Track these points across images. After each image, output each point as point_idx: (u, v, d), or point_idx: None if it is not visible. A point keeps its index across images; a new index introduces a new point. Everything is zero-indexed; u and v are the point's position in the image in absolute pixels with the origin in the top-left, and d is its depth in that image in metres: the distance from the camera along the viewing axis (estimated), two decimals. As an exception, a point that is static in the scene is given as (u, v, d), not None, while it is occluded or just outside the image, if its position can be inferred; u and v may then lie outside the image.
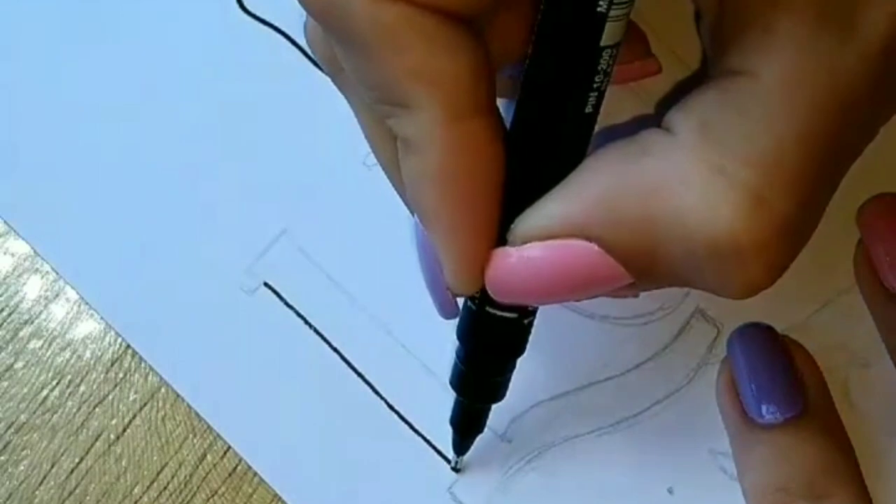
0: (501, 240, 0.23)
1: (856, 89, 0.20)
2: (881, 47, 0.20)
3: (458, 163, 0.22)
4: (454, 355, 0.28)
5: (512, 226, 0.23)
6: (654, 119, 0.22)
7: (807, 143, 0.20)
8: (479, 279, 0.23)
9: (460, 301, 0.27)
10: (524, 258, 0.22)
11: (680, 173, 0.20)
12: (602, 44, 0.21)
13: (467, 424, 0.30)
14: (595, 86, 0.22)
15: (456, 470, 0.32)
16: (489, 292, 0.24)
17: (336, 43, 0.22)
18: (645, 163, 0.21)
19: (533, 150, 0.23)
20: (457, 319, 0.27)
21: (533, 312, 0.26)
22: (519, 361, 0.32)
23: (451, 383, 0.29)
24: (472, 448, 0.31)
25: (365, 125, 0.24)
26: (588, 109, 0.22)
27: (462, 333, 0.27)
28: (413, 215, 0.24)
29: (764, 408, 0.30)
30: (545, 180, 0.22)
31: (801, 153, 0.20)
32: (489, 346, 0.27)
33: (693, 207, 0.20)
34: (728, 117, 0.20)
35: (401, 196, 0.25)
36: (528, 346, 0.32)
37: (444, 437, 0.32)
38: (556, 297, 0.23)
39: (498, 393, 0.29)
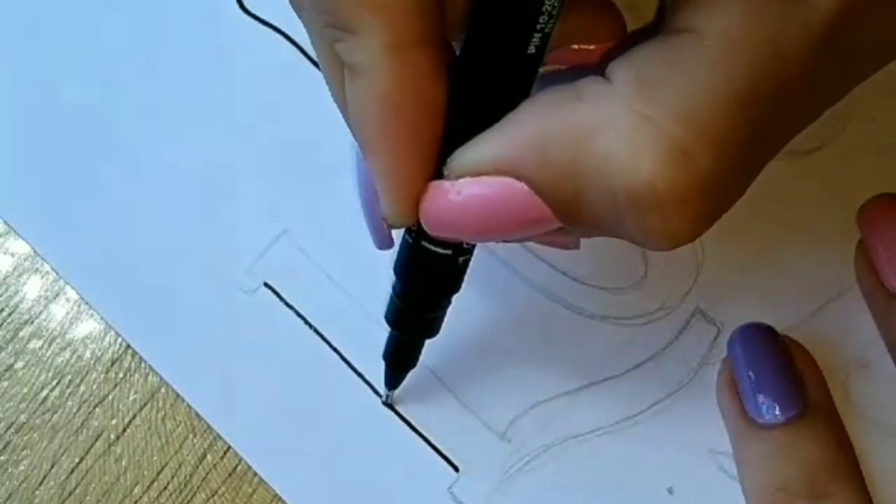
0: (439, 174, 0.23)
1: (797, 60, 0.20)
2: (828, 21, 0.20)
3: (399, 91, 0.22)
4: (390, 289, 0.28)
5: (448, 160, 0.23)
6: (599, 69, 0.22)
7: (739, 106, 0.20)
8: (414, 211, 0.23)
9: (396, 236, 0.27)
10: (456, 192, 0.23)
11: (610, 120, 0.20)
12: None
13: (400, 359, 0.30)
14: (539, 27, 0.22)
15: (387, 405, 0.32)
16: (423, 225, 0.24)
17: None
18: (577, 108, 0.21)
19: (475, 87, 0.23)
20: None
21: (468, 251, 0.26)
22: (519, 360, 0.32)
23: (385, 317, 0.29)
24: (472, 448, 0.31)
25: (318, 53, 0.25)
26: (531, 50, 0.22)
27: (398, 268, 0.27)
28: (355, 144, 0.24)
29: (764, 407, 0.30)
30: (485, 118, 0.22)
31: (732, 115, 0.20)
32: (423, 282, 0.27)
33: (618, 154, 0.20)
34: (665, 71, 0.21)
35: (345, 121, 0.25)
36: (529, 345, 0.32)
37: (444, 437, 0.32)
38: (486, 234, 0.23)
39: (431, 328, 0.29)
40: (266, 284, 0.33)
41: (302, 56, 0.35)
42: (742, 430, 0.30)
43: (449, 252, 0.26)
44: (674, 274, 0.33)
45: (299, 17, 0.25)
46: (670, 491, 0.31)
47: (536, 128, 0.21)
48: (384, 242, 0.28)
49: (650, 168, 0.20)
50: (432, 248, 0.25)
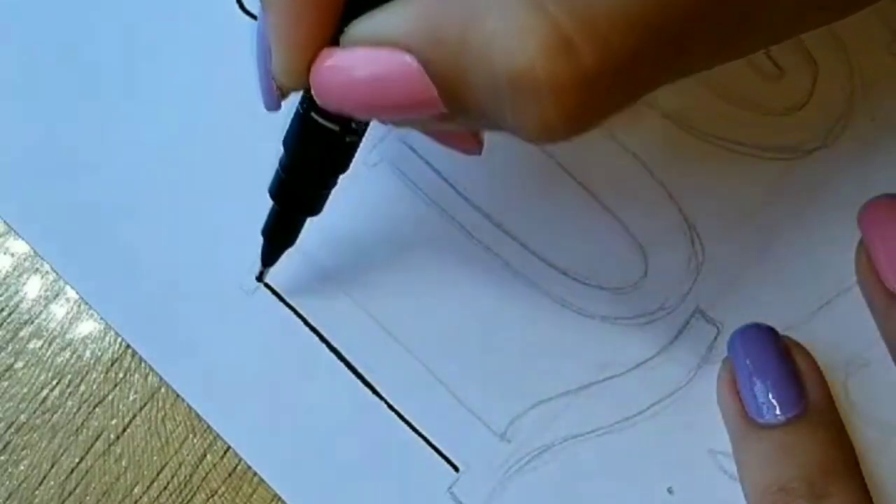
0: (336, 44, 0.23)
1: None
2: None
3: None
4: (276, 164, 0.28)
5: (346, 28, 0.23)
6: None
7: (632, 12, 0.20)
8: (304, 74, 0.23)
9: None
10: (347, 60, 0.23)
11: (501, 3, 0.20)
12: None
13: (279, 235, 0.30)
14: None
15: (259, 280, 0.33)
16: (312, 90, 0.24)
17: None
18: None
19: None
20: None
21: (357, 133, 0.26)
22: (519, 361, 0.32)
23: (269, 191, 0.29)
24: (472, 448, 0.31)
25: None
26: None
27: (286, 140, 0.27)
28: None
29: (764, 407, 0.30)
30: None
31: (624, 18, 0.20)
32: (308, 156, 0.27)
33: (503, 36, 0.20)
34: None
35: None
36: (528, 345, 0.32)
37: (445, 437, 0.32)
38: (372, 109, 0.23)
39: (313, 206, 0.29)
40: (266, 285, 0.33)
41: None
42: (742, 430, 0.30)
43: (336, 128, 0.26)
44: (674, 274, 0.33)
45: None
46: (670, 491, 0.31)
47: (433, 4, 0.21)
48: (272, 103, 0.27)
49: (532, 53, 0.20)
50: (321, 120, 0.26)
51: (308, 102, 0.26)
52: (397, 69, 0.22)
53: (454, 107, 0.22)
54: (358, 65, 0.22)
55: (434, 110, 0.22)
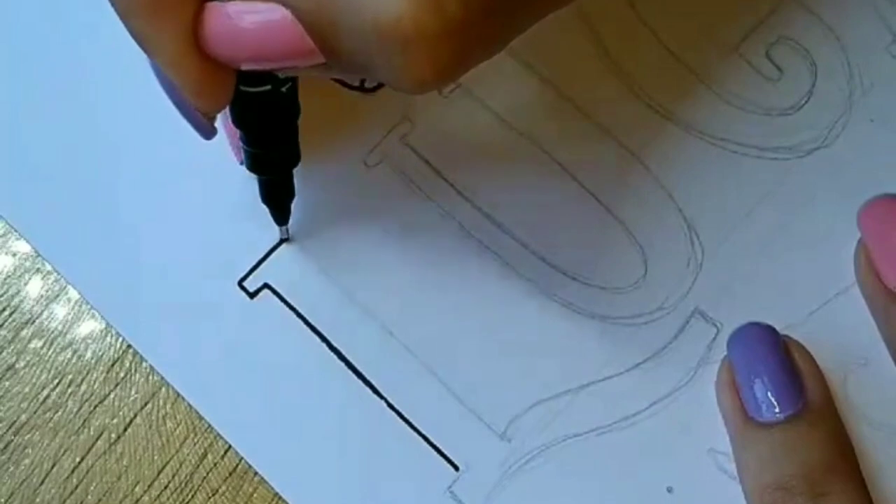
0: None
1: None
2: None
3: None
4: (241, 143, 0.29)
5: None
6: None
7: None
8: (217, 89, 0.24)
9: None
10: (227, 15, 0.23)
11: None
12: None
13: (278, 194, 0.32)
14: None
15: (285, 240, 0.33)
16: (205, 46, 0.24)
17: None
18: None
19: None
20: None
21: (286, 82, 0.27)
22: (519, 361, 0.32)
23: (248, 167, 0.30)
24: (472, 447, 0.31)
25: None
26: None
27: (235, 119, 0.28)
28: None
29: (764, 406, 0.30)
30: None
31: None
32: (261, 122, 0.28)
33: None
34: None
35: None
36: (528, 345, 0.32)
37: (444, 437, 0.32)
38: (259, 58, 0.24)
39: (291, 158, 0.30)
40: (267, 285, 0.33)
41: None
42: (741, 428, 0.30)
43: (268, 87, 0.27)
44: (673, 274, 0.33)
45: None
46: (669, 490, 0.31)
47: None
48: (207, 132, 0.28)
49: (399, 5, 0.20)
50: (251, 89, 0.27)
51: (238, 79, 0.26)
52: (275, 22, 0.22)
53: (329, 56, 0.23)
54: (240, 18, 0.23)
55: (313, 59, 0.23)
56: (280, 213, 0.32)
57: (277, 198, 0.32)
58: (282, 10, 0.22)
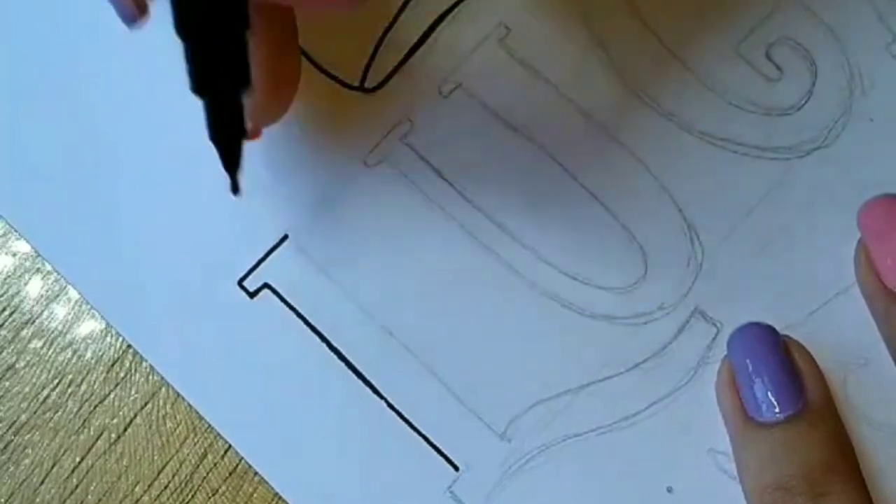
0: None
1: None
2: None
3: None
4: (184, 60, 0.26)
5: None
6: None
7: None
8: None
9: None
10: None
11: None
12: None
13: (226, 126, 0.27)
14: None
15: (235, 191, 0.28)
16: None
17: None
18: None
19: None
20: None
21: None
22: (519, 360, 0.32)
23: (192, 88, 0.26)
24: (472, 447, 0.31)
25: None
26: None
27: (177, 24, 0.25)
28: None
29: (763, 406, 0.30)
30: None
31: None
32: (208, 24, 0.25)
33: None
34: None
35: None
36: (528, 345, 0.32)
37: (444, 437, 0.32)
38: None
39: (242, 76, 0.26)
40: (267, 285, 0.33)
41: (302, 56, 0.35)
42: (741, 428, 0.30)
43: None
44: (673, 274, 0.33)
45: None
46: (669, 490, 0.31)
47: None
48: (131, 14, 0.26)
49: None
50: None
51: None
52: None
53: None
54: None
55: None
56: (230, 153, 0.28)
57: (225, 129, 0.27)
58: None
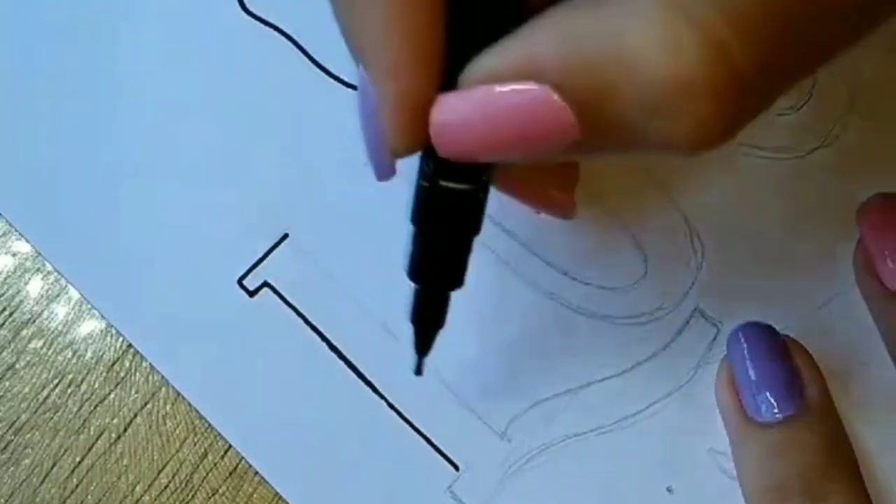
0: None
1: None
2: None
3: (407, 3, 0.21)
4: (409, 243, 0.27)
5: (466, 68, 0.22)
6: None
7: (779, 9, 0.19)
8: (421, 134, 0.22)
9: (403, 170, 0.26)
10: (473, 100, 0.21)
11: (643, 14, 0.20)
12: None
13: (428, 316, 0.28)
14: None
15: (418, 373, 0.30)
16: (435, 144, 0.22)
17: None
18: (608, 5, 0.20)
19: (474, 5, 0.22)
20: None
21: (486, 186, 0.25)
22: (519, 361, 0.32)
23: (407, 272, 0.27)
24: (472, 447, 0.31)
25: None
26: None
27: (415, 214, 0.26)
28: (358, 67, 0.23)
29: (763, 406, 0.30)
30: (489, 34, 0.21)
31: (766, 13, 0.19)
32: (445, 225, 0.26)
33: (650, 48, 0.19)
34: None
35: (346, 42, 0.24)
36: (528, 345, 0.32)
37: (444, 436, 0.32)
38: (503, 147, 0.22)
39: (457, 277, 0.27)
40: (267, 284, 0.33)
41: (303, 56, 0.35)
42: (741, 429, 0.30)
43: (468, 187, 0.24)
44: (673, 274, 0.33)
45: None
46: (669, 490, 0.31)
47: (566, 29, 0.21)
48: (386, 171, 0.26)
49: (688, 59, 0.19)
50: (452, 185, 0.24)
51: (433, 170, 0.24)
52: (533, 100, 0.21)
53: (593, 130, 0.21)
54: (487, 104, 0.21)
55: (569, 136, 0.21)
56: (425, 340, 0.29)
57: (426, 318, 0.28)
58: (541, 87, 0.21)
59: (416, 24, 0.21)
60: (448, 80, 0.22)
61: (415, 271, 0.27)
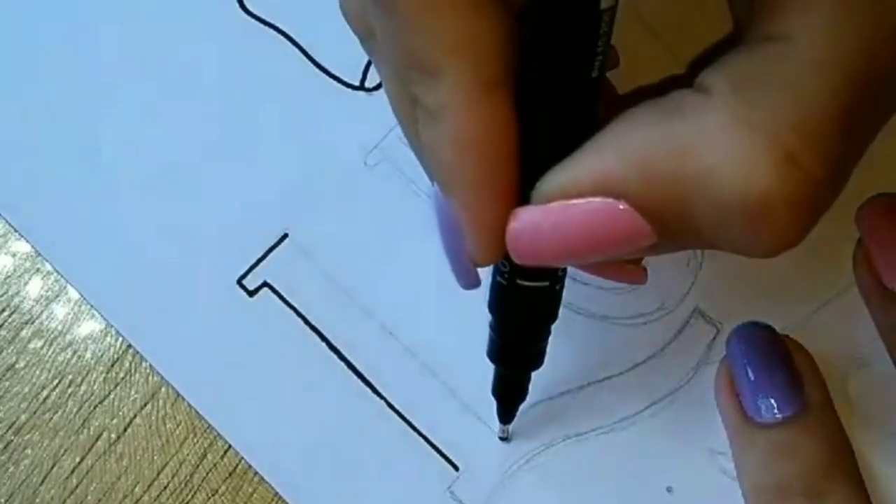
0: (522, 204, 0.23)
1: (887, 62, 0.20)
2: None
3: (481, 132, 0.22)
4: (488, 328, 0.28)
5: (538, 184, 0.22)
6: (685, 79, 0.22)
7: (841, 109, 0.20)
8: (501, 247, 0.23)
9: (481, 273, 0.27)
10: (548, 214, 0.22)
11: (713, 131, 0.20)
12: (602, 7, 0.21)
13: (511, 393, 0.30)
14: (598, 49, 0.22)
15: (504, 440, 0.32)
16: (511, 254, 0.23)
17: (371, 6, 0.22)
18: (678, 121, 0.21)
19: (545, 117, 0.23)
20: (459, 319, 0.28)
21: (562, 279, 0.26)
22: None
23: (488, 355, 0.29)
24: (472, 448, 0.31)
25: (391, 92, 0.25)
26: (594, 74, 0.22)
27: (494, 307, 0.27)
28: (433, 185, 0.24)
29: (763, 406, 0.30)
30: (560, 146, 0.22)
31: (834, 119, 0.20)
32: (522, 318, 0.27)
33: (726, 166, 0.20)
34: (762, 78, 0.20)
35: (422, 164, 0.25)
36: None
37: (444, 437, 0.32)
38: (578, 256, 0.23)
39: (536, 361, 0.29)
40: (267, 284, 0.33)
41: (303, 56, 0.35)
42: (740, 429, 0.30)
43: (545, 284, 0.25)
44: (673, 274, 0.33)
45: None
46: (669, 490, 0.31)
47: (636, 144, 0.21)
48: (471, 282, 0.27)
49: (764, 176, 0.20)
50: (528, 283, 0.25)
51: (510, 270, 0.25)
52: (609, 214, 0.21)
53: (668, 238, 0.22)
54: (563, 216, 0.22)
55: (644, 244, 0.22)
56: (507, 412, 0.31)
57: (509, 395, 0.30)
58: (616, 203, 0.21)
59: (493, 163, 0.22)
60: (523, 190, 0.23)
61: (495, 357, 0.29)
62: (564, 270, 0.26)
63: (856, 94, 0.20)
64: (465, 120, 0.21)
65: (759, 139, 0.20)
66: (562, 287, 0.26)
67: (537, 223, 0.22)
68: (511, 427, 0.32)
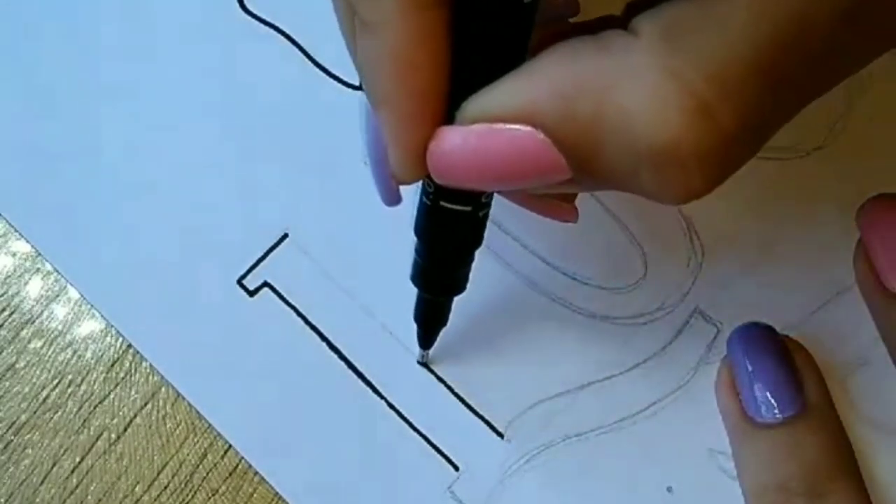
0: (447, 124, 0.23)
1: (821, 33, 0.20)
2: None
3: (414, 49, 0.22)
4: (413, 252, 0.28)
5: (463, 105, 0.22)
6: (621, 20, 0.22)
7: (763, 70, 0.20)
8: (423, 165, 0.23)
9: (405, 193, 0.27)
10: (469, 137, 0.22)
11: (634, 73, 0.20)
12: None
13: (431, 318, 0.31)
14: None
15: (423, 364, 0.33)
16: (431, 172, 0.23)
17: None
18: (602, 59, 0.21)
19: (477, 41, 0.23)
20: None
21: (486, 205, 0.26)
22: (519, 360, 0.32)
23: (412, 279, 0.29)
24: (472, 447, 0.31)
25: (335, 5, 0.25)
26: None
27: (419, 229, 0.27)
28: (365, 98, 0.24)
29: (763, 406, 0.30)
30: (490, 71, 0.22)
31: (756, 78, 0.20)
32: (445, 240, 0.27)
33: (642, 109, 0.20)
34: (692, 28, 0.20)
35: (358, 74, 0.25)
36: (529, 345, 0.32)
37: (444, 437, 0.32)
38: (495, 181, 0.23)
39: (458, 286, 0.29)
40: (267, 284, 0.33)
41: (302, 56, 0.35)
42: (741, 429, 0.30)
43: (468, 208, 0.26)
44: (673, 274, 0.33)
45: None
46: (669, 490, 0.31)
47: (559, 77, 0.21)
48: (392, 199, 0.27)
49: (675, 125, 0.20)
50: (451, 206, 0.25)
51: (434, 191, 0.25)
52: (525, 143, 0.21)
53: (582, 173, 0.22)
54: (480, 140, 0.22)
55: (559, 177, 0.22)
56: (427, 337, 0.32)
57: (430, 319, 0.31)
58: (533, 132, 0.21)
59: (422, 81, 0.22)
60: (449, 109, 0.23)
61: (418, 280, 0.29)
62: (490, 196, 0.26)
63: (784, 54, 0.20)
64: (398, 35, 0.22)
65: (674, 87, 0.20)
66: (486, 214, 0.27)
67: (457, 144, 0.22)
68: (430, 352, 0.32)
